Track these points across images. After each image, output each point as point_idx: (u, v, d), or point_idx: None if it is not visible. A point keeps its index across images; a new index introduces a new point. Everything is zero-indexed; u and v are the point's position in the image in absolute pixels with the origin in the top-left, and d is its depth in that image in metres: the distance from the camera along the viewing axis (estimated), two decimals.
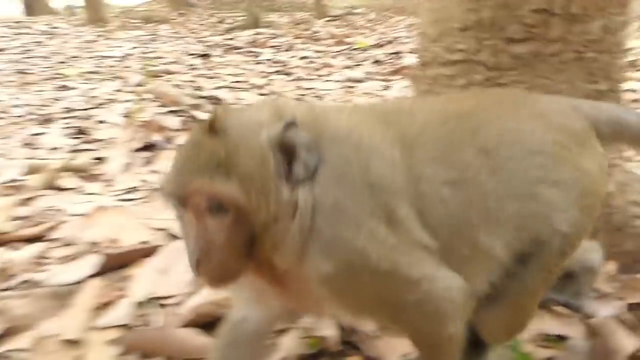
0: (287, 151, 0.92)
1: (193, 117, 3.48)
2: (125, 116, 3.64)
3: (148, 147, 3.00)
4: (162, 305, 1.55)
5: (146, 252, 1.77)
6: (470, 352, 1.11)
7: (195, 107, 3.70)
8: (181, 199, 0.93)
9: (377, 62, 6.30)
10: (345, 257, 0.93)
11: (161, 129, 3.19)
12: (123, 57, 7.02)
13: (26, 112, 4.10)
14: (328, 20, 13.15)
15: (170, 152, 2.94)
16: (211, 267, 0.93)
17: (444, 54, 1.59)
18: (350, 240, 0.93)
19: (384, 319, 1.11)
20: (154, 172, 2.67)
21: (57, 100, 4.53)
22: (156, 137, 3.09)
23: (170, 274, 1.64)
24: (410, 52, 6.77)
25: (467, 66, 1.55)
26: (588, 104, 1.21)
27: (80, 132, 3.48)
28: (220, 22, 13.11)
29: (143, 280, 1.64)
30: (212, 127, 0.91)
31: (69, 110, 4.11)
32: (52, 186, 2.50)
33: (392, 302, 1.00)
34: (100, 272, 1.70)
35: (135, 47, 7.95)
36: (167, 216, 1.66)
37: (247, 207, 0.90)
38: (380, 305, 1.01)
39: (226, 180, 0.89)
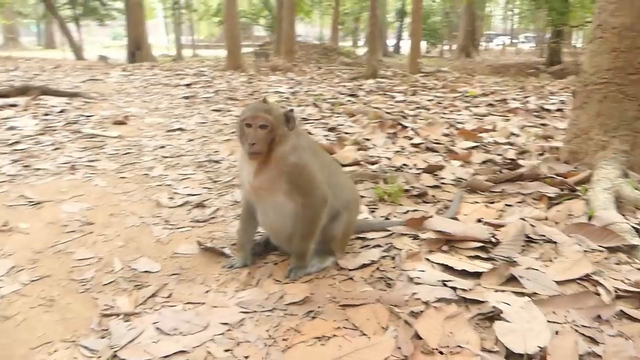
0: (288, 118, 2.16)
1: (400, 124, 5.60)
2: (354, 122, 5.84)
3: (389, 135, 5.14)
4: None
5: None
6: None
7: (396, 119, 5.83)
8: (250, 120, 2.10)
9: (490, 105, 8.27)
10: (300, 160, 2.16)
11: (392, 126, 5.37)
12: (293, 93, 9.43)
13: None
14: (422, 76, 15.40)
15: (405, 134, 5.06)
16: (255, 148, 2.08)
17: (596, 80, 3.58)
18: (303, 155, 2.18)
19: (300, 197, 2.19)
20: (398, 146, 4.77)
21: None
22: (389, 131, 5.23)
23: None
24: (514, 99, 8.79)
25: (605, 85, 3.53)
26: None
27: (330, 129, 5.68)
28: (330, 72, 15.65)
29: None
30: (265, 100, 2.20)
31: (310, 120, 6.38)
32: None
33: (309, 186, 2.18)
34: None
35: (291, 87, 10.41)
36: None
37: (273, 126, 2.10)
38: (303, 188, 2.17)
39: (269, 116, 2.10)
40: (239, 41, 15.75)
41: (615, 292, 2.04)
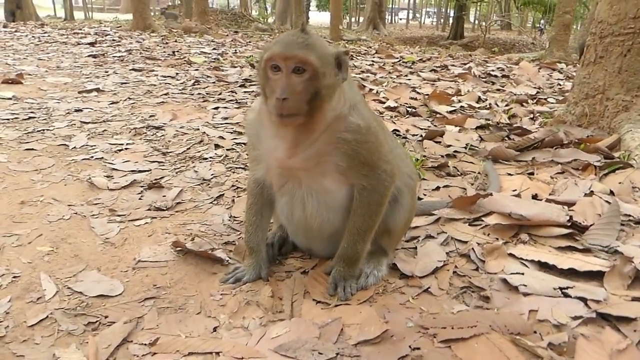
0: (339, 62, 1.39)
1: (364, 86, 4.90)
2: None
3: None
4: None
5: None
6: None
7: (358, 81, 5.12)
8: (279, 60, 1.32)
9: (433, 70, 7.84)
10: (364, 122, 1.43)
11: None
12: (220, 54, 8.33)
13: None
14: (346, 43, 14.81)
15: (375, 97, 4.37)
16: (287, 107, 1.31)
17: (618, 30, 3.12)
18: (366, 116, 1.46)
19: (360, 176, 1.46)
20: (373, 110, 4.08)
21: (227, 75, 5.86)
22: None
23: None
24: (453, 65, 8.45)
25: (630, 36, 3.07)
26: None
27: None
28: (250, 36, 14.52)
29: None
30: (303, 29, 1.37)
31: (248, 81, 5.45)
32: None
33: (375, 160, 1.46)
34: None
35: (215, 49, 9.28)
36: None
37: (316, 72, 1.32)
38: (368, 163, 1.44)
39: (311, 55, 1.31)
40: (147, 0, 14.03)
41: None
